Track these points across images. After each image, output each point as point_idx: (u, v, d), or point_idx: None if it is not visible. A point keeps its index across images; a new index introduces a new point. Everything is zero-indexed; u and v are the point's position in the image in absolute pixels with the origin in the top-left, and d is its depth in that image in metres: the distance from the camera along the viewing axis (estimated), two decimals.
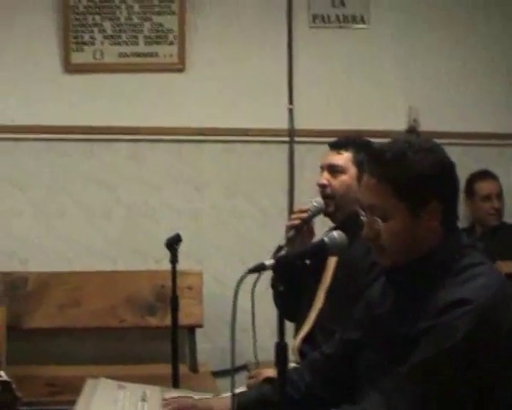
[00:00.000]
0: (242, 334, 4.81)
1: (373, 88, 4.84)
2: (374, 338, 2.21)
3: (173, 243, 3.44)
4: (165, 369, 4.12)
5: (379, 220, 2.07)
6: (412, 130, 4.80)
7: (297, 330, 3.31)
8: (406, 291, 2.12)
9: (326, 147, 4.63)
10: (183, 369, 3.99)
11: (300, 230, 3.20)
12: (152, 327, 4.44)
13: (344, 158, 3.14)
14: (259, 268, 2.21)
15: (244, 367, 4.57)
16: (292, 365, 3.27)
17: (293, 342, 3.30)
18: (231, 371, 2.38)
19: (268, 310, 4.72)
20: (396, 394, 1.98)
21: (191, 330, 4.48)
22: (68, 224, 4.58)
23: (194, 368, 4.38)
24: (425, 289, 2.04)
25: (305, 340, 3.17)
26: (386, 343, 2.14)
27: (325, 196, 3.17)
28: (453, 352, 1.91)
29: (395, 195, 2.03)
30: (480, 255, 2.09)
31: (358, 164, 3.09)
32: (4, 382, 2.29)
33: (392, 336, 2.11)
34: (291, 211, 4.70)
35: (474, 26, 4.92)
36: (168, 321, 4.39)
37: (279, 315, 2.18)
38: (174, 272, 3.44)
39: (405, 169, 2.03)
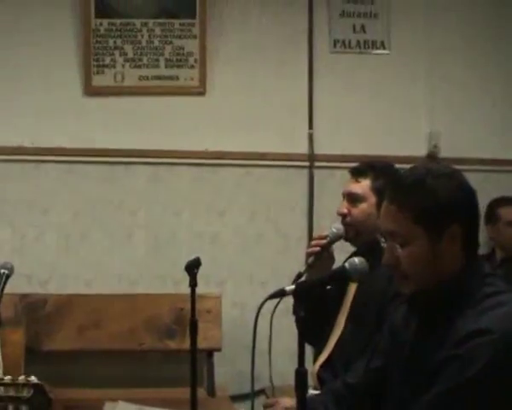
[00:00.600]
0: (261, 358, 4.78)
1: (393, 113, 4.84)
2: (396, 366, 2.19)
3: (193, 267, 3.41)
4: (184, 393, 4.09)
5: (398, 247, 2.06)
6: (432, 156, 4.79)
7: (316, 355, 3.29)
8: (428, 319, 2.11)
9: (345, 172, 4.67)
10: (201, 393, 3.95)
11: (320, 256, 3.19)
12: (171, 350, 4.43)
13: (363, 186, 3.15)
14: (280, 294, 2.22)
15: (262, 392, 4.55)
16: (310, 391, 3.27)
17: (312, 368, 3.29)
18: (251, 395, 2.38)
19: (287, 336, 4.71)
20: None
21: (209, 353, 4.46)
22: (88, 246, 4.59)
23: (211, 392, 4.35)
24: (446, 318, 2.02)
25: (324, 366, 3.15)
26: (409, 372, 2.12)
27: (345, 224, 3.17)
28: (474, 382, 1.88)
29: (414, 221, 2.03)
30: (502, 284, 2.07)
31: (377, 191, 3.10)
32: (36, 384, 2.29)
33: (414, 365, 2.09)
34: (310, 236, 4.70)
35: (496, 53, 4.92)
36: (187, 345, 4.37)
37: (299, 341, 2.16)
38: (193, 296, 3.42)
39: (424, 195, 2.03)
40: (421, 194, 2.03)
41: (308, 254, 3.21)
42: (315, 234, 4.61)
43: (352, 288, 3.13)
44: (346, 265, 2.21)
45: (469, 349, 1.90)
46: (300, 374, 2.11)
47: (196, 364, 3.52)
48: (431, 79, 4.86)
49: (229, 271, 4.65)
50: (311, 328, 3.36)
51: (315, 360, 3.29)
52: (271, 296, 2.30)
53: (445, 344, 1.97)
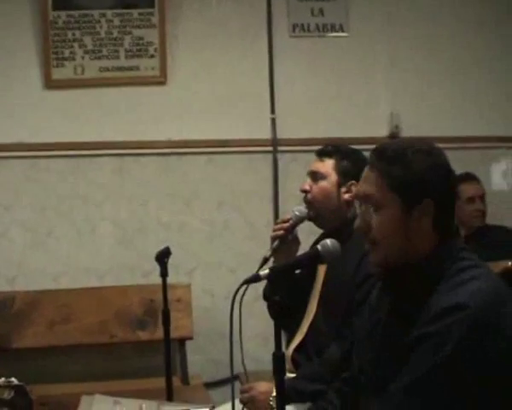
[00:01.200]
0: (233, 345, 4.82)
1: (355, 95, 4.87)
2: (374, 343, 2.20)
3: (163, 257, 3.42)
4: (158, 383, 4.11)
5: (371, 208, 2.10)
6: (394, 136, 4.83)
7: (289, 339, 3.32)
8: (401, 297, 2.12)
9: (309, 155, 4.71)
10: (175, 381, 3.96)
11: (285, 239, 3.22)
12: (142, 341, 4.43)
13: (326, 165, 3.18)
14: (254, 279, 2.22)
15: (235, 378, 4.57)
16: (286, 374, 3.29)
17: (286, 352, 3.31)
18: (231, 380, 2.40)
19: (258, 321, 4.75)
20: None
21: (182, 342, 4.47)
22: (55, 241, 4.56)
23: (185, 380, 4.37)
24: (420, 295, 2.03)
25: (298, 349, 3.17)
26: (381, 351, 2.14)
27: (306, 202, 3.21)
28: (450, 361, 1.89)
29: (390, 188, 2.07)
30: (475, 257, 2.09)
31: (340, 171, 3.16)
32: (17, 386, 2.28)
33: (386, 345, 2.12)
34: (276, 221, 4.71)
35: (455, 31, 4.97)
36: (158, 335, 4.39)
37: (275, 325, 2.17)
38: (165, 286, 3.43)
39: (402, 166, 2.07)
40: (399, 164, 2.08)
41: (272, 239, 3.23)
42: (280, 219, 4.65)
43: (322, 271, 3.15)
44: (319, 247, 2.23)
45: (442, 327, 1.91)
46: (278, 358, 2.13)
47: (168, 354, 3.53)
48: (391, 61, 4.90)
49: (198, 259, 4.65)
50: (284, 312, 3.42)
51: (288, 343, 3.32)
52: (246, 282, 2.29)
53: (418, 322, 1.98)
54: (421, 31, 4.93)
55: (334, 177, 3.15)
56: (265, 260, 3.23)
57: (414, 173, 2.07)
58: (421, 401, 1.93)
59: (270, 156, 4.77)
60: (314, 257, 2.25)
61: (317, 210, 3.17)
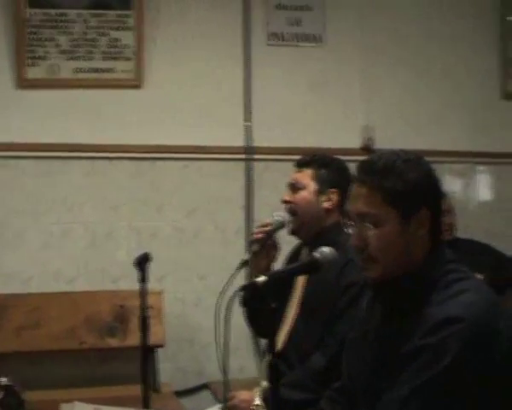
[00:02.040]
0: (202, 352, 4.80)
1: (329, 106, 4.88)
2: (367, 354, 2.19)
3: (142, 262, 3.37)
4: (128, 390, 4.05)
5: (370, 226, 2.07)
6: (367, 148, 4.85)
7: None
8: (393, 307, 2.11)
9: (282, 164, 4.73)
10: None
11: (264, 243, 3.22)
12: (112, 348, 4.34)
13: (304, 175, 3.22)
14: (252, 286, 2.16)
15: (205, 386, 4.53)
16: (265, 382, 3.26)
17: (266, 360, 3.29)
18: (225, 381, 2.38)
19: (231, 330, 4.69)
20: None
21: (152, 350, 4.39)
22: (25, 244, 4.45)
23: (156, 388, 4.29)
24: (412, 306, 2.03)
25: (278, 357, 3.14)
26: (373, 361, 2.13)
27: (289, 211, 3.22)
28: (447, 372, 1.90)
29: (386, 202, 2.05)
30: (464, 269, 2.10)
31: (319, 180, 3.19)
32: (7, 386, 2.21)
33: (379, 354, 2.11)
34: (249, 228, 4.69)
35: (431, 46, 5.02)
36: (129, 342, 4.35)
37: (269, 332, 2.13)
38: (143, 292, 3.36)
39: (396, 177, 2.05)
40: (392, 176, 2.05)
41: (252, 242, 3.24)
42: (253, 227, 4.62)
43: (301, 278, 3.14)
44: (317, 255, 2.21)
45: (439, 339, 1.91)
46: (272, 365, 2.10)
47: (147, 361, 3.46)
48: (366, 73, 4.92)
49: (169, 266, 4.57)
50: (264, 320, 3.39)
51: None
52: (243, 289, 2.26)
53: (413, 333, 1.97)
54: (397, 44, 4.97)
55: (313, 186, 3.19)
56: (244, 263, 3.26)
57: (408, 183, 2.05)
58: (422, 407, 1.92)
59: (243, 164, 4.74)
60: (312, 264, 2.23)
61: (300, 219, 3.19)
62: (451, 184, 5.02)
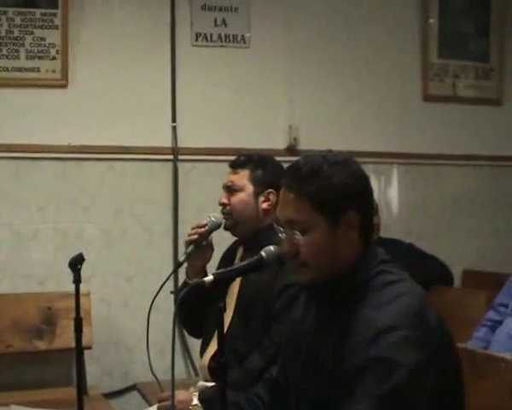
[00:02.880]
0: (128, 354, 4.77)
1: (254, 107, 4.91)
2: (300, 355, 2.21)
3: (76, 263, 3.32)
4: (56, 393, 4.01)
5: (298, 234, 2.06)
6: (292, 149, 4.91)
7: (203, 348, 3.31)
8: (327, 309, 2.13)
9: (208, 164, 4.73)
10: (72, 392, 3.86)
11: (199, 245, 3.22)
12: (40, 351, 4.27)
13: (241, 177, 3.21)
14: (199, 286, 2.16)
15: (133, 387, 4.51)
16: (201, 382, 3.28)
17: (201, 361, 3.30)
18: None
19: (154, 330, 4.68)
20: None
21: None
22: None
23: (84, 391, 4.24)
24: (346, 308, 2.04)
25: (214, 359, 3.15)
26: (309, 367, 2.14)
27: (225, 213, 3.22)
28: (406, 380, 1.88)
29: (313, 208, 2.05)
30: (397, 271, 2.11)
31: (255, 181, 3.19)
32: None
33: (314, 360, 2.12)
34: (176, 230, 4.69)
35: (355, 47, 5.11)
36: (56, 344, 4.29)
37: (218, 332, 2.15)
38: (77, 293, 3.33)
39: (321, 182, 2.05)
40: (317, 181, 2.05)
41: (187, 243, 3.22)
42: (182, 228, 4.63)
43: (237, 280, 3.15)
44: (263, 253, 2.22)
45: (382, 350, 1.90)
46: (220, 365, 2.11)
47: (80, 363, 3.44)
48: (290, 74, 4.97)
49: (95, 268, 4.50)
50: (194, 321, 3.40)
51: (202, 352, 3.31)
52: (192, 290, 2.25)
53: (350, 335, 1.97)
54: (321, 45, 5.03)
55: (249, 188, 3.19)
56: (179, 265, 3.26)
57: (334, 187, 2.05)
58: None
59: (170, 164, 4.72)
60: (258, 263, 2.24)
61: (235, 220, 3.20)
62: (373, 184, 5.10)
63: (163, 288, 4.52)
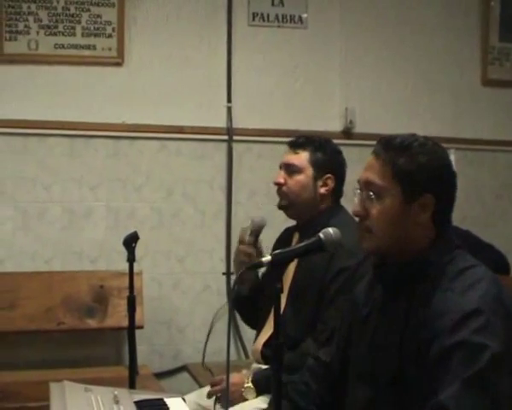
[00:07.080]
0: (179, 335, 4.76)
1: (310, 88, 4.83)
2: (364, 339, 2.19)
3: (131, 242, 3.29)
4: (109, 372, 4.01)
5: (373, 196, 2.09)
6: (347, 131, 4.84)
7: (258, 333, 3.26)
8: (396, 291, 2.11)
9: (263, 145, 4.68)
10: (123, 371, 3.85)
11: (250, 264, 3.16)
12: (91, 329, 4.27)
13: (301, 158, 3.13)
14: (257, 266, 2.19)
15: (184, 368, 4.49)
16: (254, 365, 3.23)
17: (254, 346, 3.25)
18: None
19: (205, 312, 4.67)
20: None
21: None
22: (0, 223, 4.34)
23: (135, 370, 4.23)
24: (421, 289, 2.04)
25: (268, 344, 3.11)
26: (376, 346, 2.13)
27: (280, 193, 3.16)
28: (493, 362, 1.89)
29: (394, 178, 2.08)
30: (470, 257, 2.11)
31: (315, 164, 3.12)
32: None
33: (383, 339, 2.10)
34: (229, 211, 4.65)
35: (413, 30, 5.00)
36: (108, 323, 4.29)
37: (275, 315, 2.09)
38: (131, 272, 3.30)
39: (409, 157, 2.08)
40: (405, 154, 2.09)
41: (237, 266, 3.19)
42: (234, 209, 4.60)
43: (292, 265, 3.08)
44: (321, 235, 2.15)
45: (468, 334, 1.91)
46: (277, 347, 2.06)
47: (133, 342, 3.42)
48: (346, 56, 4.88)
49: (146, 247, 4.47)
50: (251, 307, 3.35)
51: (256, 338, 3.26)
52: (249, 268, 2.34)
53: (433, 322, 1.96)
54: (378, 28, 4.93)
55: (309, 170, 3.12)
56: (234, 287, 3.31)
57: (418, 166, 2.08)
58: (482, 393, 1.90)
59: (224, 145, 4.68)
60: (317, 246, 2.18)
61: (291, 201, 3.13)
62: None
63: (214, 269, 4.58)
